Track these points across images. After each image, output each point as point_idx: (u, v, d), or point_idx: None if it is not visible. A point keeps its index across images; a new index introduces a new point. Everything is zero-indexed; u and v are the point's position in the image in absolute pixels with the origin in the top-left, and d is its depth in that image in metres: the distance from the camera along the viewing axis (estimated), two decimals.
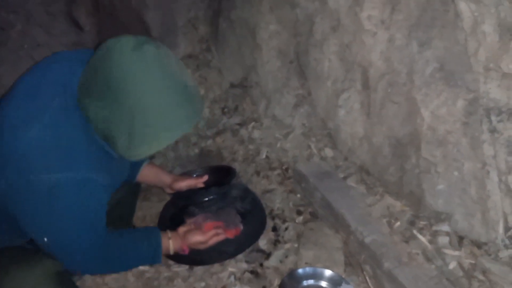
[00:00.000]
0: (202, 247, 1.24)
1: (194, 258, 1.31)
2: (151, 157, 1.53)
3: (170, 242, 1.20)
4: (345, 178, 1.41)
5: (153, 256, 1.19)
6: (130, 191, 1.46)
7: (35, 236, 1.01)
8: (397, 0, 1.28)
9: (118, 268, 1.20)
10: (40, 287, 1.01)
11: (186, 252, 1.23)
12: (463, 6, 1.10)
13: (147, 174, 1.38)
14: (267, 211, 1.45)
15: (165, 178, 1.39)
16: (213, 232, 1.24)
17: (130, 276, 1.33)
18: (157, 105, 0.88)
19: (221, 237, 1.25)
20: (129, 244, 1.15)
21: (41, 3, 2.85)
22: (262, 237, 1.37)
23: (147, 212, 1.59)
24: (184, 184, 1.37)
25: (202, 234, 1.23)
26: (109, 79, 0.87)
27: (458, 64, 1.15)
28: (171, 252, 1.21)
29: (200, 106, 0.98)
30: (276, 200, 1.50)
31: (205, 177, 1.40)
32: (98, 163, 1.00)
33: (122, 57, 0.87)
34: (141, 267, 1.35)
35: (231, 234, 1.28)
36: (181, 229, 1.24)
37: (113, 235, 1.11)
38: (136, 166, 1.36)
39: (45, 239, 0.99)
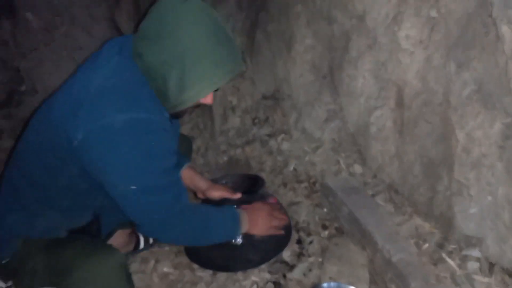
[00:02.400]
0: (267, 225, 1.30)
1: (218, 264, 1.32)
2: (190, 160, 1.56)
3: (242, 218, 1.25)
4: (373, 195, 1.40)
5: (232, 227, 1.24)
6: None
7: (123, 187, 1.03)
8: (436, 20, 1.28)
9: (198, 232, 1.19)
10: (112, 278, 1.04)
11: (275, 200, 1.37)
12: (505, 29, 1.08)
13: (185, 177, 1.40)
14: (292, 223, 1.46)
15: (201, 184, 1.42)
16: (277, 212, 1.34)
17: (155, 277, 1.37)
18: (204, 44, 0.97)
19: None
20: (210, 210, 1.22)
21: (85, 7, 2.97)
22: (286, 249, 1.37)
23: None
24: (218, 194, 1.38)
25: (268, 206, 1.33)
26: (162, 25, 0.98)
27: (497, 87, 1.13)
28: (243, 229, 1.26)
29: (240, 55, 1.07)
30: (302, 213, 1.50)
31: (239, 194, 1.38)
32: (160, 110, 1.06)
33: (173, 6, 0.99)
34: (165, 269, 1.39)
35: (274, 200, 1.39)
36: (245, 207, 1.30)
37: (194, 204, 1.19)
38: (177, 167, 1.39)
39: (133, 187, 1.02)
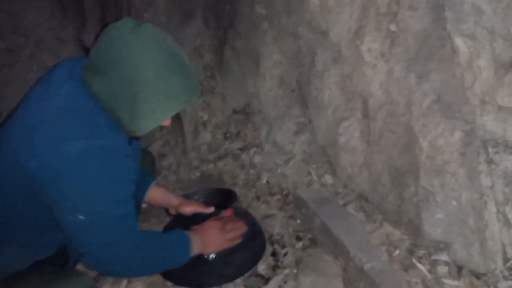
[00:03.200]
0: (221, 240, 1.26)
1: (192, 280, 1.30)
2: (155, 178, 1.54)
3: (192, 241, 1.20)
4: (344, 205, 1.43)
5: (183, 252, 1.19)
6: None
7: (72, 217, 0.97)
8: (396, 34, 1.34)
9: (148, 264, 1.14)
10: None
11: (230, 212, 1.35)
12: (459, 42, 1.15)
13: (154, 195, 1.39)
14: (266, 236, 1.46)
15: (173, 200, 1.40)
16: (230, 225, 1.29)
17: None
18: (156, 77, 0.93)
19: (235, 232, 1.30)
20: (159, 239, 1.16)
21: (51, 29, 2.93)
22: (261, 262, 1.37)
23: None
24: (190, 209, 1.37)
25: (219, 222, 1.27)
26: (110, 55, 0.93)
27: (455, 96, 1.19)
28: (195, 251, 1.21)
29: (197, 81, 1.02)
30: (276, 225, 1.51)
31: (212, 208, 1.38)
32: (120, 135, 1.01)
33: (122, 34, 0.93)
34: None
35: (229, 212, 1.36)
36: (196, 228, 1.26)
37: (142, 232, 1.12)
38: (144, 185, 1.37)
39: (81, 217, 0.96)
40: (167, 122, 1.04)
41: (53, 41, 2.82)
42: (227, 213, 1.38)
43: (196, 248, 1.21)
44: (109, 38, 0.95)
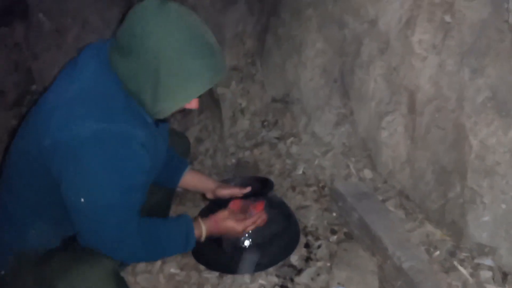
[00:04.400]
0: (236, 235, 1.22)
1: (225, 266, 1.32)
2: (190, 162, 1.54)
3: (203, 227, 1.17)
4: (383, 201, 1.39)
5: (187, 240, 1.15)
6: (165, 195, 1.48)
7: (74, 198, 0.98)
8: (451, 26, 1.27)
9: (150, 250, 1.12)
10: (103, 286, 1.01)
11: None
12: None
13: (190, 179, 1.39)
14: (300, 227, 1.44)
15: (210, 184, 1.40)
16: (249, 221, 1.22)
17: (161, 278, 1.36)
18: (179, 56, 0.91)
19: (254, 225, 1.23)
20: (162, 227, 1.13)
21: (97, 10, 3.00)
22: (294, 252, 1.36)
23: None
24: (227, 192, 1.36)
25: (237, 221, 1.20)
26: (134, 34, 0.92)
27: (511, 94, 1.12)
28: (204, 236, 1.18)
29: (222, 62, 0.99)
30: (311, 217, 1.49)
31: (248, 188, 1.37)
32: (137, 119, 1.00)
33: (146, 13, 0.92)
34: (172, 270, 1.38)
35: (259, 207, 1.29)
36: (219, 215, 1.21)
37: (145, 219, 1.09)
38: (178, 171, 1.39)
39: (82, 200, 0.96)
40: (192, 104, 1.02)
41: (98, 23, 2.88)
42: (258, 206, 1.33)
43: (204, 232, 1.18)
44: (134, 17, 0.94)
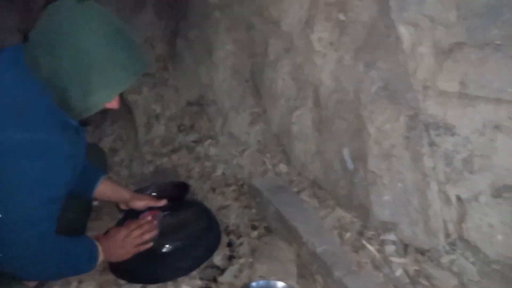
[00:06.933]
0: (124, 242, 1.22)
1: (147, 276, 1.27)
2: (106, 173, 1.48)
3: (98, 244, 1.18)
4: (298, 192, 1.45)
5: (90, 257, 1.15)
6: (81, 210, 1.41)
7: None
8: (345, 24, 1.37)
9: (56, 268, 1.10)
10: None
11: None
12: (402, 30, 1.19)
13: (104, 189, 1.34)
14: (222, 227, 1.45)
15: (124, 194, 1.36)
16: (136, 230, 1.23)
17: None
18: (109, 49, 0.93)
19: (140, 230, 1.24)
20: (70, 244, 1.11)
21: None
22: (216, 253, 1.36)
23: (99, 232, 1.53)
24: (142, 204, 1.35)
25: (124, 229, 1.22)
26: (58, 29, 0.91)
27: (400, 83, 1.23)
28: (100, 258, 1.18)
29: (143, 56, 1.02)
30: (232, 216, 1.51)
31: (164, 202, 1.35)
32: (60, 128, 0.98)
33: (69, 9, 0.92)
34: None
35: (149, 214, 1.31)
36: (109, 231, 1.24)
37: (57, 236, 1.06)
38: (93, 180, 1.32)
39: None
40: (113, 104, 1.01)
41: None
42: (151, 213, 1.33)
43: (101, 257, 1.18)
44: (54, 14, 0.93)
